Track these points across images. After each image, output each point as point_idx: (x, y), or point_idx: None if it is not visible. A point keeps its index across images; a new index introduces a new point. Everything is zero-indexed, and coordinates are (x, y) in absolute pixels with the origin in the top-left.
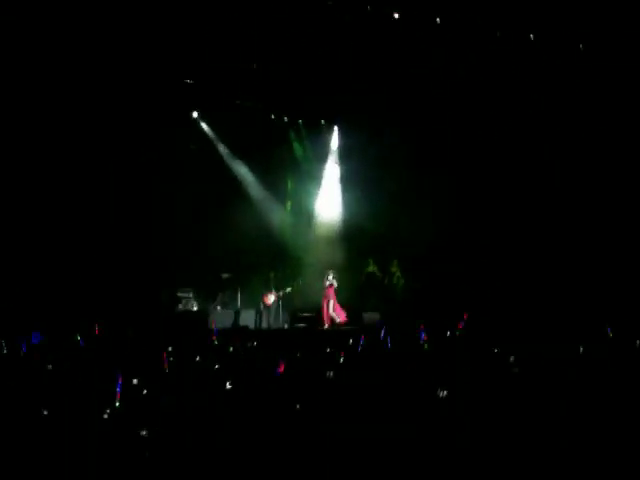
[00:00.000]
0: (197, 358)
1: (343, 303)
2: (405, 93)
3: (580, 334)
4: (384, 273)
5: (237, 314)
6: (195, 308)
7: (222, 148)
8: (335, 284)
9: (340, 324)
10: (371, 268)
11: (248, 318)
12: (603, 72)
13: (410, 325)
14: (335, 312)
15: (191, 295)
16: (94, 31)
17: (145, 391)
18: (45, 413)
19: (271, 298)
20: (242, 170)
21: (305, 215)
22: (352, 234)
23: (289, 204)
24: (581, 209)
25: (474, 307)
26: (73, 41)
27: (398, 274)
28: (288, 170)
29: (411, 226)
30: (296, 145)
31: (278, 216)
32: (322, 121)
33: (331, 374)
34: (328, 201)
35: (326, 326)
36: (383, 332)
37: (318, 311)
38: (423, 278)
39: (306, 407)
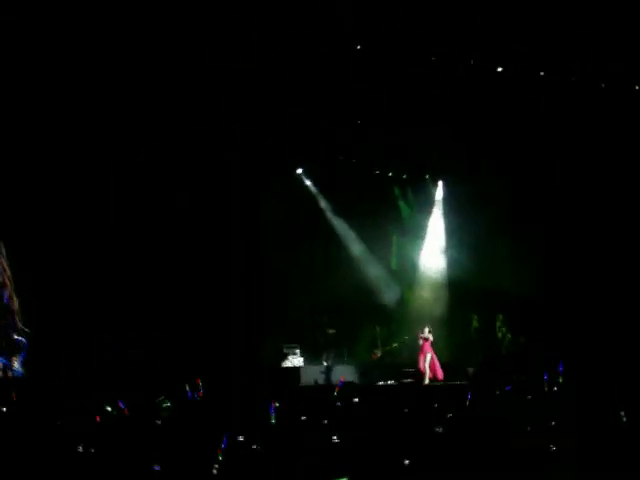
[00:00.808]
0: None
1: (444, 359)
2: (510, 147)
3: None
4: (489, 328)
5: (329, 369)
6: (301, 364)
7: (326, 204)
8: (431, 338)
9: (437, 380)
10: (475, 324)
11: (348, 373)
12: None
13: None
14: (430, 368)
15: (297, 351)
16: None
17: (253, 446)
18: (157, 469)
19: (378, 353)
20: (346, 227)
21: (410, 271)
22: (456, 289)
23: (394, 260)
24: None
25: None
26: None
27: (504, 329)
28: (393, 225)
29: (515, 281)
30: (400, 200)
31: (383, 272)
32: (427, 176)
33: (440, 429)
34: (432, 256)
35: (427, 381)
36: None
37: (417, 367)
38: (529, 332)
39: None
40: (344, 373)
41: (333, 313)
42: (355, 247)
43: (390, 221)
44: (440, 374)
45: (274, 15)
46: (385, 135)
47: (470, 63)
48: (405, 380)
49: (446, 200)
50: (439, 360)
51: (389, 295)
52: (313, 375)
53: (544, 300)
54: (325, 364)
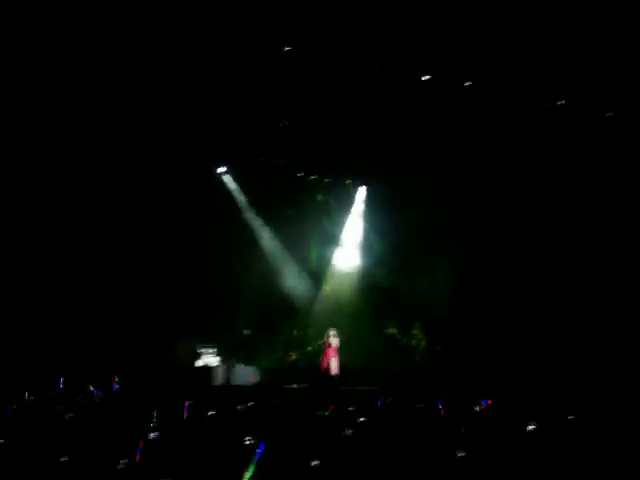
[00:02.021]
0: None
1: (361, 365)
2: (433, 157)
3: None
4: (405, 335)
5: (231, 369)
6: (216, 363)
7: (245, 205)
8: (335, 343)
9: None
10: (392, 330)
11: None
12: None
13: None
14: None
15: (213, 350)
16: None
17: (162, 441)
18: (63, 460)
19: (293, 356)
20: (265, 228)
21: (328, 274)
22: (373, 294)
23: (312, 263)
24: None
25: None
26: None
27: (420, 336)
28: (313, 229)
29: (432, 288)
30: (320, 204)
31: (298, 276)
32: (348, 181)
33: (350, 432)
34: (350, 261)
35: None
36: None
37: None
38: (445, 341)
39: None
40: (249, 373)
41: (250, 314)
42: (274, 249)
43: (310, 224)
44: (334, 369)
45: (201, 11)
46: (308, 138)
47: (394, 69)
48: (317, 383)
49: (367, 205)
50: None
51: (305, 297)
52: (226, 375)
53: (461, 309)
54: (237, 364)
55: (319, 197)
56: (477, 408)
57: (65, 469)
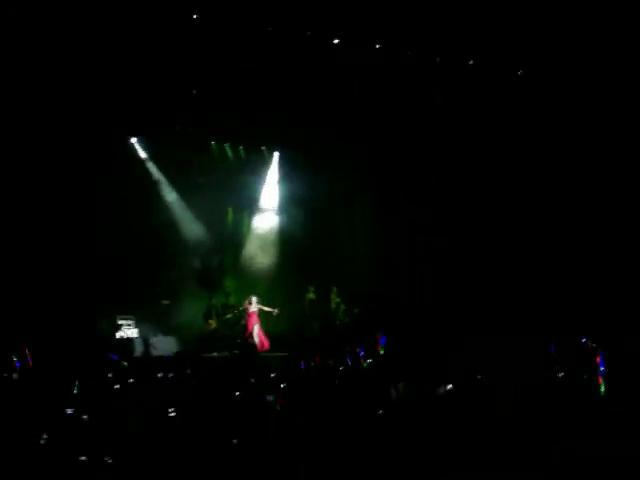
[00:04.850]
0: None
1: (283, 331)
2: (344, 121)
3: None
4: (324, 299)
5: (147, 340)
6: (135, 335)
7: (160, 174)
8: (255, 309)
9: (264, 350)
10: (311, 295)
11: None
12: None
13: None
14: (258, 338)
15: (131, 322)
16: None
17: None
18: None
19: (213, 325)
20: (178, 197)
21: (245, 240)
22: (292, 259)
23: (229, 229)
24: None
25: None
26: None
27: (337, 300)
28: (229, 196)
29: (351, 252)
30: (235, 170)
31: (217, 244)
32: (263, 147)
33: (271, 398)
34: (268, 226)
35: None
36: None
37: (246, 337)
38: (362, 303)
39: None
40: (166, 344)
41: (168, 284)
42: (189, 217)
43: (226, 191)
44: (266, 344)
45: None
46: (222, 106)
47: (307, 34)
48: (239, 351)
49: (282, 170)
50: (266, 331)
51: (223, 265)
52: (146, 346)
53: (379, 272)
54: (156, 334)
55: (234, 164)
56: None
57: None
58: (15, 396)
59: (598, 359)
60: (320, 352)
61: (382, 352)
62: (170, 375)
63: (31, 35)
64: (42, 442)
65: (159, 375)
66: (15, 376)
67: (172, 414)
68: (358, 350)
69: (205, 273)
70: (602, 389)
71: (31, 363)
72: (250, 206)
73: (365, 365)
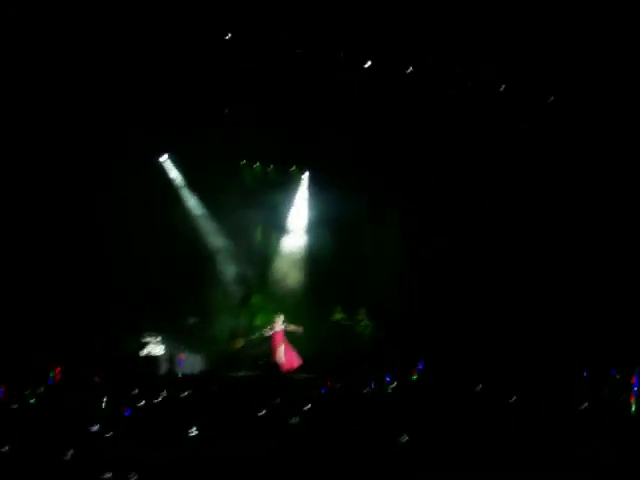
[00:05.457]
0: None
1: (308, 351)
2: (373, 142)
3: None
4: (351, 321)
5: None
6: (161, 353)
7: (188, 193)
8: (280, 328)
9: (294, 369)
10: (338, 316)
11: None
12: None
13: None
14: (286, 358)
15: (157, 339)
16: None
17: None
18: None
19: (239, 344)
20: (208, 216)
21: (272, 259)
22: (319, 280)
23: (259, 251)
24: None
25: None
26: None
27: (365, 322)
28: (257, 215)
29: (379, 274)
30: (265, 190)
31: (246, 265)
32: (293, 167)
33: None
34: (295, 245)
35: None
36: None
37: (270, 359)
38: (389, 327)
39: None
40: (192, 362)
41: (196, 303)
42: (217, 236)
43: (255, 211)
44: (295, 363)
45: None
46: (253, 126)
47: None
48: (262, 371)
49: (311, 190)
50: (295, 349)
51: (251, 285)
52: (171, 364)
53: (407, 297)
54: (182, 352)
55: (263, 183)
56: (414, 377)
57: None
58: (42, 412)
59: (634, 379)
60: (330, 376)
61: (415, 378)
62: (195, 393)
63: (59, 43)
64: (67, 458)
65: (184, 394)
66: (42, 391)
67: (194, 433)
68: (385, 375)
69: (234, 292)
70: (633, 408)
71: (59, 379)
72: (279, 225)
73: (389, 390)
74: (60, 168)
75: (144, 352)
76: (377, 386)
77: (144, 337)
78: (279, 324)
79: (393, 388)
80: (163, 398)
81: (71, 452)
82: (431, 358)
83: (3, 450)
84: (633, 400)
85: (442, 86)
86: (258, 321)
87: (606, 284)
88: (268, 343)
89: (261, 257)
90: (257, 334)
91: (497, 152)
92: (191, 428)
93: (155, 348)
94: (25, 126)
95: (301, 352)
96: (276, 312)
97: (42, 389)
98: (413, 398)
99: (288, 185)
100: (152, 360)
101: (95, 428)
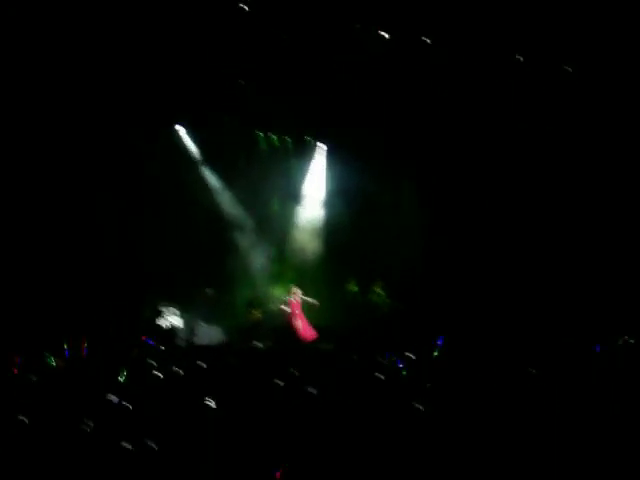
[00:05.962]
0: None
1: (323, 323)
2: (393, 115)
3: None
4: (366, 292)
5: (194, 329)
6: (179, 324)
7: (203, 162)
8: (296, 299)
9: (309, 341)
10: (352, 287)
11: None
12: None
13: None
14: (302, 329)
15: (175, 310)
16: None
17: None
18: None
19: (256, 315)
20: (224, 187)
21: (289, 231)
22: (336, 253)
23: (274, 220)
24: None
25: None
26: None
27: (382, 293)
28: (273, 186)
29: (397, 245)
30: (281, 161)
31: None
32: (309, 138)
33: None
34: (312, 219)
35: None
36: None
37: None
38: (408, 299)
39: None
40: (210, 333)
41: (212, 274)
42: (233, 206)
43: (271, 182)
44: (310, 335)
45: None
46: (266, 97)
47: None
48: (281, 342)
49: (329, 161)
50: (309, 320)
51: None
52: (189, 335)
53: (426, 269)
54: (200, 323)
55: (279, 154)
56: (435, 353)
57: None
58: (62, 384)
59: None
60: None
61: (436, 354)
62: (212, 364)
63: (74, 24)
64: (87, 429)
65: (202, 364)
66: (61, 364)
67: (211, 404)
68: (395, 360)
69: (251, 263)
70: None
71: (85, 354)
72: (295, 197)
73: (404, 373)
74: (76, 139)
75: (162, 322)
76: (392, 363)
77: (161, 307)
78: (296, 296)
79: (409, 367)
80: (182, 370)
81: (90, 423)
82: (451, 334)
83: (23, 420)
84: None
85: (465, 62)
86: (276, 292)
87: (620, 263)
88: (286, 314)
89: (278, 228)
90: (274, 305)
91: (521, 128)
92: (209, 400)
93: (174, 319)
94: (45, 98)
95: (317, 322)
96: (293, 282)
97: (61, 361)
98: (434, 376)
99: (305, 155)
100: (170, 330)
101: (115, 399)
